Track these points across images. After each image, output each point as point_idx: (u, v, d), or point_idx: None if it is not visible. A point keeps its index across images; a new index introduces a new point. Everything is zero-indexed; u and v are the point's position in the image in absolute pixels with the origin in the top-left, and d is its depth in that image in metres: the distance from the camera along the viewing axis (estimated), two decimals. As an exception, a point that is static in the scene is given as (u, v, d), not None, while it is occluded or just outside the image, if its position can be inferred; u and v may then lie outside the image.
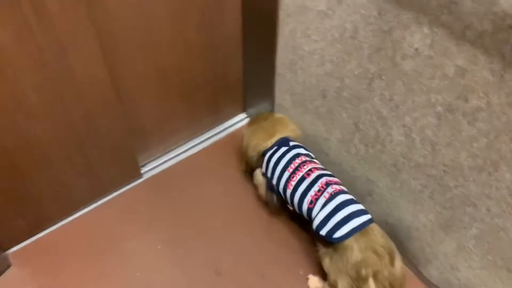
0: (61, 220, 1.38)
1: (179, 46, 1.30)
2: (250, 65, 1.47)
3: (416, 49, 0.88)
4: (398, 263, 1.04)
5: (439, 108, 0.90)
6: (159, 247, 1.31)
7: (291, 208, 1.24)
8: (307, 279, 1.21)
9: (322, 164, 1.21)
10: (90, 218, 1.39)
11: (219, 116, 1.64)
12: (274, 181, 1.22)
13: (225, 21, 1.35)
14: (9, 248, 1.31)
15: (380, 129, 1.08)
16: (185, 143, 1.60)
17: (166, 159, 1.55)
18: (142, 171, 1.51)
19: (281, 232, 1.33)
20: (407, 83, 0.94)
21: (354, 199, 1.10)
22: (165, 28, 1.23)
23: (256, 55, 1.42)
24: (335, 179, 1.15)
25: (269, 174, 1.24)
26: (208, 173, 1.51)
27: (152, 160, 1.54)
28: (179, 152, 1.58)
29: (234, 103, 1.65)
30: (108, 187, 1.43)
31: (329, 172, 1.18)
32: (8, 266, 1.27)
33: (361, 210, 1.07)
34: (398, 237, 1.23)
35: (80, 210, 1.40)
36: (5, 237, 1.27)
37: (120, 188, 1.46)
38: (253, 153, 1.30)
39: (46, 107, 1.10)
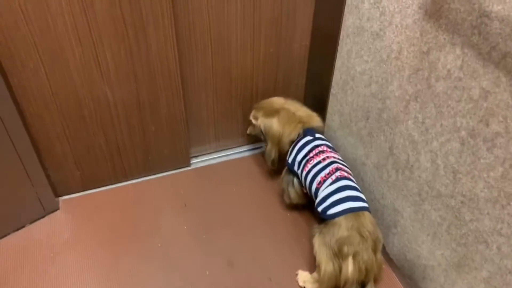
0: (111, 184, 1.53)
1: (246, 51, 1.43)
2: (310, 83, 1.54)
3: (448, 70, 0.89)
4: (379, 252, 1.10)
5: (463, 133, 0.90)
6: (185, 227, 1.40)
7: (305, 191, 1.32)
8: (296, 274, 1.24)
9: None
10: (136, 188, 1.54)
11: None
12: (296, 164, 1.31)
13: (294, 37, 1.45)
14: (61, 195, 1.48)
15: (410, 153, 1.08)
16: (236, 147, 1.70)
17: (215, 156, 1.67)
18: (191, 161, 1.63)
19: (303, 243, 1.35)
20: (438, 105, 0.95)
21: (357, 187, 1.18)
22: (236, 31, 1.37)
23: (316, 74, 1.50)
24: (346, 168, 1.23)
25: (291, 157, 1.34)
26: (248, 177, 1.59)
27: (202, 154, 1.66)
28: (229, 153, 1.68)
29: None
30: (158, 166, 1.57)
31: (343, 162, 1.26)
32: (56, 209, 1.45)
33: (359, 197, 1.15)
34: (414, 277, 1.18)
35: (129, 180, 1.55)
36: (61, 184, 1.45)
37: (168, 171, 1.59)
38: (286, 142, 1.38)
39: (119, 73, 1.27)
